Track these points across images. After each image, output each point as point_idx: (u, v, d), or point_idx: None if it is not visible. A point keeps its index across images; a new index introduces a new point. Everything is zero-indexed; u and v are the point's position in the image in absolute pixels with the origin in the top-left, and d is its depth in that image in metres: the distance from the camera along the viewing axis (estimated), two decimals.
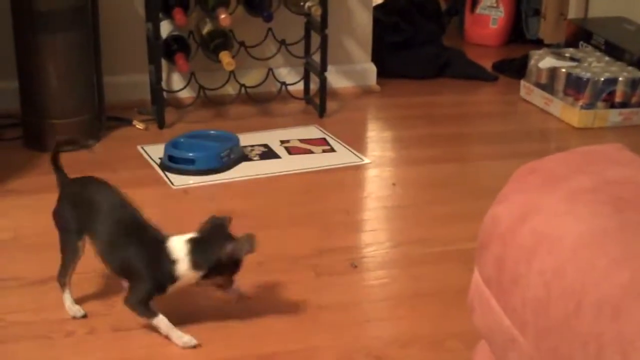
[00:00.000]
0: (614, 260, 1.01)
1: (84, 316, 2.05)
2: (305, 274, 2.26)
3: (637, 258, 1.00)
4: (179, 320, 2.04)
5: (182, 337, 1.95)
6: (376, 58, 3.89)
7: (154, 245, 1.97)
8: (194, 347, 1.94)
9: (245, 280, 2.22)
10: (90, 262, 2.29)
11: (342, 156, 3.09)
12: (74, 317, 2.04)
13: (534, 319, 1.08)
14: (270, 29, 3.44)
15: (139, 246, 1.97)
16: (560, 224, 1.11)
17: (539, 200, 1.17)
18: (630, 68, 3.58)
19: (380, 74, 3.90)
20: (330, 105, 3.54)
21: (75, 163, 2.94)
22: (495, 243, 1.19)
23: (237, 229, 2.47)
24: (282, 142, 3.20)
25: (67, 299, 2.05)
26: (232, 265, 1.96)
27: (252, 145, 3.14)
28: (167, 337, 1.96)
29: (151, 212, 2.63)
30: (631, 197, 1.14)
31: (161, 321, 1.95)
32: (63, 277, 2.04)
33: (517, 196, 1.22)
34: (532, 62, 3.78)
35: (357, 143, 3.22)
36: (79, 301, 2.10)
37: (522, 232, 1.14)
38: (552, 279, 1.06)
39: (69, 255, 2.03)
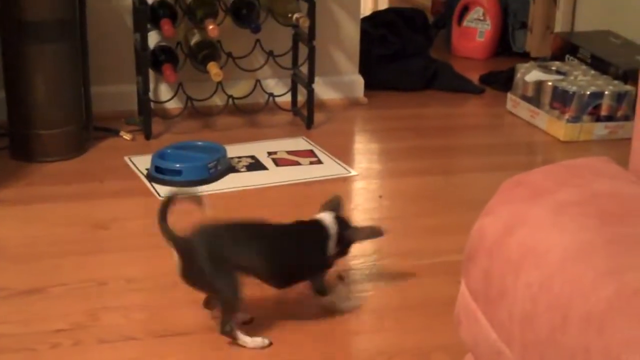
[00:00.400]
0: (601, 274, 1.01)
1: (270, 343, 1.99)
2: (293, 285, 2.26)
3: (624, 271, 1.00)
4: (167, 330, 2.04)
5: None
6: (364, 70, 3.90)
7: (310, 230, 2.09)
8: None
9: None
10: (75, 274, 2.29)
11: (329, 168, 3.10)
12: (260, 347, 1.98)
13: (521, 333, 1.08)
14: (258, 40, 3.44)
15: (301, 239, 2.08)
16: (547, 237, 1.12)
17: (526, 213, 1.18)
18: (616, 82, 3.60)
19: (368, 86, 3.91)
20: (318, 117, 3.54)
21: (60, 173, 2.96)
22: (482, 256, 1.20)
23: None
24: (270, 153, 3.20)
25: (241, 336, 1.97)
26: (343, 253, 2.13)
27: (240, 157, 3.14)
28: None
29: (138, 223, 2.64)
30: (617, 210, 1.15)
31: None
32: (229, 327, 1.95)
33: (503, 209, 1.22)
34: (518, 75, 3.79)
35: (344, 155, 3.23)
36: (64, 313, 2.09)
37: (509, 245, 1.15)
38: (539, 293, 1.06)
39: (235, 300, 1.95)
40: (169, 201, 1.93)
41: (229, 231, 1.99)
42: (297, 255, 2.07)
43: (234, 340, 1.96)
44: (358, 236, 2.14)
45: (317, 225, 2.09)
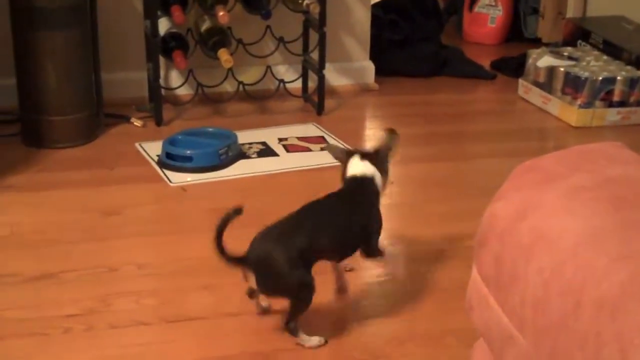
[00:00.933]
0: (613, 259, 1.01)
1: (326, 342, 1.98)
2: None
3: (637, 257, 1.00)
4: (178, 316, 2.04)
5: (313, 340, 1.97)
6: (374, 56, 3.88)
7: (359, 187, 2.08)
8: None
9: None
10: (86, 260, 2.29)
11: None
12: (317, 346, 1.96)
13: (533, 318, 1.07)
14: (268, 27, 3.43)
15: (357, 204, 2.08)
16: (559, 222, 1.11)
17: (538, 198, 1.17)
18: (628, 67, 3.58)
19: (379, 72, 3.90)
20: (329, 103, 3.54)
21: (71, 159, 2.97)
22: (494, 241, 1.19)
23: (234, 226, 2.47)
24: (280, 139, 3.20)
25: (303, 336, 1.96)
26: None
27: (250, 143, 3.14)
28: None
29: (148, 209, 2.65)
30: (630, 196, 1.14)
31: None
32: (296, 326, 1.95)
33: (515, 194, 1.21)
34: (530, 60, 3.77)
35: (355, 141, 3.22)
36: (76, 298, 2.10)
37: (521, 230, 1.14)
38: (551, 278, 1.06)
39: (309, 301, 1.93)
40: (220, 229, 1.90)
41: (291, 227, 1.97)
42: (363, 214, 2.07)
43: (294, 337, 1.94)
44: (388, 152, 2.14)
45: (360, 180, 2.08)
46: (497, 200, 1.23)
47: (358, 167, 2.09)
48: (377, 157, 2.11)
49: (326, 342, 1.97)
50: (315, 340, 1.96)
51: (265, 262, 1.89)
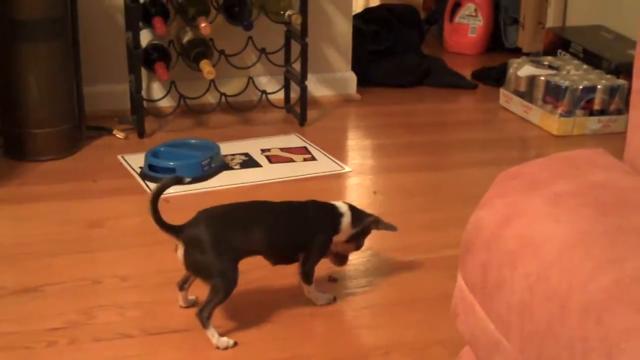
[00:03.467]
0: (598, 264, 1.01)
1: (235, 344, 1.98)
2: (289, 282, 2.26)
3: (621, 261, 1.00)
4: (162, 328, 2.03)
5: (324, 297, 2.16)
6: (356, 67, 3.89)
7: (323, 210, 2.14)
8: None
9: None
10: (69, 272, 2.28)
11: (323, 165, 3.10)
12: (225, 348, 1.97)
13: (519, 323, 1.08)
14: (250, 38, 3.44)
15: (314, 220, 2.11)
16: (544, 227, 1.12)
17: (522, 205, 1.18)
18: (608, 76, 3.60)
19: (361, 83, 3.91)
20: (311, 113, 3.54)
21: (54, 172, 2.95)
22: (479, 248, 1.20)
23: None
24: (263, 150, 3.20)
25: (213, 333, 1.97)
26: (359, 239, 2.19)
27: (233, 154, 3.14)
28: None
29: (132, 221, 2.64)
30: (613, 201, 1.15)
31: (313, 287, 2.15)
32: (208, 317, 1.96)
33: (500, 201, 1.22)
34: (511, 70, 3.79)
35: (337, 151, 3.23)
36: (60, 312, 2.09)
37: (506, 236, 1.15)
38: (537, 283, 1.06)
39: (228, 292, 1.97)
40: (156, 195, 1.95)
41: (231, 214, 2.04)
42: (304, 228, 2.10)
43: (203, 327, 1.96)
44: (374, 222, 2.19)
45: (330, 205, 2.16)
46: (481, 207, 1.24)
47: (339, 202, 2.18)
48: (361, 215, 2.18)
49: (236, 344, 1.97)
50: (224, 341, 1.97)
51: (195, 240, 1.94)
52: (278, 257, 2.09)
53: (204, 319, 1.95)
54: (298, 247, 2.09)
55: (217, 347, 1.96)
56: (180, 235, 1.95)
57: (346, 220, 2.13)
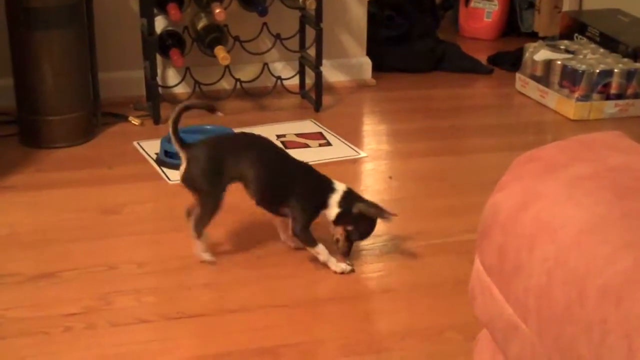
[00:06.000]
0: (617, 247, 1.00)
1: (213, 262, 2.25)
2: (305, 267, 2.26)
3: None
4: (179, 313, 2.04)
5: (339, 265, 2.23)
6: (371, 52, 3.88)
7: (317, 178, 2.25)
8: (351, 272, 2.23)
9: (245, 273, 2.23)
10: (86, 258, 2.29)
11: (339, 150, 3.09)
12: (204, 261, 2.24)
13: (537, 307, 1.07)
14: (265, 24, 3.43)
15: (303, 179, 2.23)
16: (561, 211, 1.11)
17: (540, 188, 1.17)
18: (625, 59, 3.58)
19: (376, 68, 3.90)
20: (326, 99, 3.53)
21: (70, 159, 2.96)
22: (496, 231, 1.19)
23: (234, 224, 2.48)
24: (279, 136, 3.20)
25: (200, 246, 2.24)
26: (347, 223, 2.20)
27: None
28: (324, 264, 2.23)
29: (148, 207, 2.64)
30: (632, 184, 1.14)
31: (321, 249, 2.22)
32: (201, 229, 2.21)
33: (517, 184, 1.21)
34: (527, 54, 3.77)
35: (353, 137, 3.22)
36: (76, 297, 2.10)
37: (523, 220, 1.14)
38: (554, 267, 1.05)
39: (214, 208, 2.19)
40: (182, 110, 2.22)
41: (232, 142, 2.27)
42: (289, 179, 2.23)
43: (196, 237, 2.21)
44: (366, 207, 2.20)
45: (327, 180, 2.25)
46: (498, 190, 1.23)
47: (340, 183, 2.25)
48: (354, 199, 2.22)
49: (214, 261, 2.24)
50: (205, 255, 2.24)
51: (193, 159, 2.18)
52: (260, 196, 2.22)
53: (197, 235, 2.21)
54: (279, 197, 2.22)
55: (200, 256, 2.24)
56: (186, 151, 2.18)
57: (335, 197, 2.20)
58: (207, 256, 2.25)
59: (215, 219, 2.22)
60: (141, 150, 3.03)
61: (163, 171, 2.85)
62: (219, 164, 2.19)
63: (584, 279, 1.00)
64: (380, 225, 2.32)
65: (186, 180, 2.20)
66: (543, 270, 1.07)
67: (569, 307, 1.01)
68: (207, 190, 2.19)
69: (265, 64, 3.54)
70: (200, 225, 2.20)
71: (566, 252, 1.05)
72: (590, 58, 3.60)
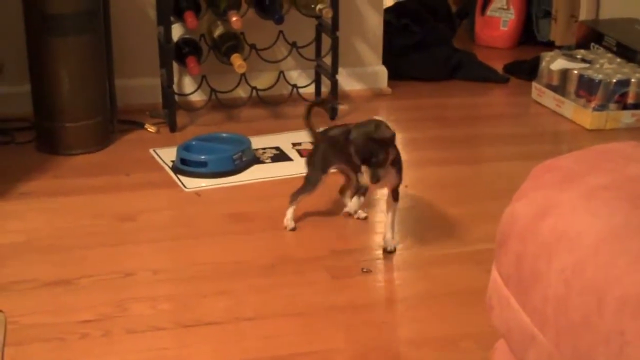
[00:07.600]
0: (635, 257, 1.00)
1: (293, 229, 2.51)
2: (320, 275, 2.26)
3: None
4: (194, 320, 2.04)
5: (289, 221, 2.52)
6: (387, 60, 3.88)
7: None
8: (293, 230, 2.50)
9: (260, 281, 2.23)
10: (102, 265, 2.30)
11: None
12: (288, 228, 2.51)
13: (555, 317, 1.07)
14: (281, 32, 3.44)
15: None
16: (579, 221, 1.11)
17: (558, 197, 1.16)
18: None
19: (392, 77, 3.90)
20: (342, 107, 3.54)
21: (86, 165, 2.98)
22: (514, 240, 1.19)
23: (249, 231, 2.48)
24: (294, 144, 3.20)
25: (290, 212, 2.52)
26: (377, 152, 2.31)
27: (264, 148, 3.14)
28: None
29: (164, 214, 2.65)
30: None
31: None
32: (296, 198, 2.51)
33: (535, 193, 1.21)
34: (543, 63, 3.76)
35: None
36: (92, 304, 2.10)
37: (541, 229, 1.14)
38: (573, 277, 1.05)
39: (315, 185, 2.50)
40: (315, 104, 2.70)
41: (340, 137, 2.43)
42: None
43: (290, 204, 2.51)
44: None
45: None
46: (517, 199, 1.23)
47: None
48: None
49: (294, 229, 2.49)
50: (291, 222, 2.52)
51: (313, 146, 2.58)
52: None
53: (291, 201, 2.52)
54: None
55: (285, 226, 2.51)
56: (314, 136, 2.55)
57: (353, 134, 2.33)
58: (291, 224, 2.52)
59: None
60: (157, 158, 3.04)
61: (179, 179, 2.86)
62: (325, 155, 2.51)
63: (602, 290, 1.00)
64: (396, 235, 2.32)
65: (306, 160, 2.58)
66: (561, 280, 1.06)
67: (586, 317, 1.00)
68: (308, 175, 2.53)
69: (281, 72, 3.55)
70: (296, 195, 2.51)
71: (584, 262, 1.05)
72: (607, 68, 3.59)
